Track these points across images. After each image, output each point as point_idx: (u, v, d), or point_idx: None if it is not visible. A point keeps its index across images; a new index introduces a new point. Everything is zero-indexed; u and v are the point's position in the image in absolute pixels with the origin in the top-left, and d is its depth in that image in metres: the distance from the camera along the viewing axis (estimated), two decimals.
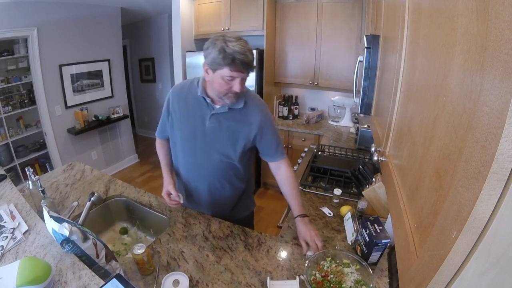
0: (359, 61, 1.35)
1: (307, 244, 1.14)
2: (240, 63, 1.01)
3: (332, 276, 0.99)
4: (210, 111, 1.19)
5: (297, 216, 1.22)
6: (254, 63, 1.10)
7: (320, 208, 1.44)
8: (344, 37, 2.83)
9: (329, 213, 1.41)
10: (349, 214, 1.30)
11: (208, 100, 1.18)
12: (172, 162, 1.40)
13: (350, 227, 1.25)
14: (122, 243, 1.44)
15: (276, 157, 1.28)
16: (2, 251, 1.01)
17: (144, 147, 4.86)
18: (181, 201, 1.29)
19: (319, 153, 2.25)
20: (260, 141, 1.25)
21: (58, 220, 0.92)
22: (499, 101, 0.28)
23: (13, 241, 1.06)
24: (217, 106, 1.19)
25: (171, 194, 1.29)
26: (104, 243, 1.00)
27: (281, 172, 1.29)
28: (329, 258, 1.06)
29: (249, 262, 1.11)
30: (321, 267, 1.04)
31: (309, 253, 1.13)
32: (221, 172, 1.30)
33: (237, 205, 1.43)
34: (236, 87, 1.07)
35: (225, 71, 1.03)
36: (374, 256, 1.05)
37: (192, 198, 1.39)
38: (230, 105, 1.16)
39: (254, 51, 2.79)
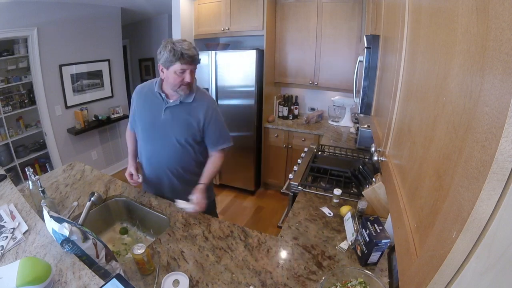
0: (359, 61, 1.35)
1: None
2: (187, 57, 1.24)
3: None
4: (165, 104, 1.40)
5: (199, 184, 1.43)
6: (199, 58, 1.31)
7: (320, 208, 1.44)
8: (344, 37, 2.83)
9: (329, 213, 1.41)
10: (349, 214, 1.30)
11: (163, 95, 1.40)
12: (135, 149, 1.62)
13: (350, 227, 1.25)
14: (122, 243, 1.44)
15: (214, 148, 1.49)
16: (2, 251, 1.01)
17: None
18: (140, 180, 1.53)
19: (319, 153, 2.25)
20: (204, 132, 1.45)
21: (58, 220, 0.92)
22: (499, 101, 0.28)
23: (13, 241, 1.06)
24: (171, 101, 1.40)
25: (132, 174, 1.53)
26: (104, 243, 1.00)
27: (212, 158, 1.51)
28: (361, 280, 0.98)
29: (249, 262, 1.11)
30: (346, 282, 0.98)
31: (182, 205, 1.34)
32: (178, 159, 1.48)
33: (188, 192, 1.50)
34: (187, 77, 1.29)
35: (177, 66, 1.25)
36: (374, 256, 1.05)
37: (154, 184, 1.57)
38: (181, 99, 1.38)
39: (254, 51, 2.79)
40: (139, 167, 1.60)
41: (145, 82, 1.52)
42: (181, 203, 1.34)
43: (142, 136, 1.51)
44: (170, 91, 1.38)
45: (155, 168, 1.53)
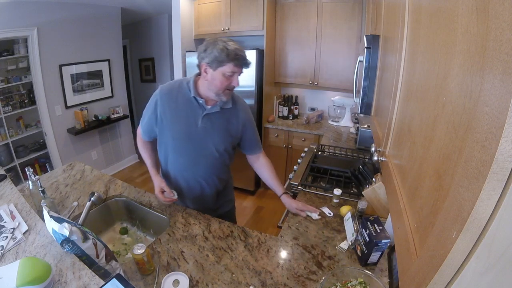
0: (359, 61, 1.35)
1: (302, 211, 1.36)
2: (242, 59, 1.14)
3: None
4: (203, 111, 1.26)
5: (282, 194, 1.41)
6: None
7: (321, 208, 1.44)
8: (344, 37, 2.83)
9: (329, 213, 1.41)
10: (349, 214, 1.30)
11: (201, 100, 1.24)
12: (158, 162, 1.46)
13: (350, 227, 1.25)
14: (122, 243, 1.44)
15: (257, 151, 1.46)
16: (2, 251, 1.01)
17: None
18: (175, 197, 1.34)
19: (319, 153, 2.25)
20: (244, 137, 1.38)
21: (58, 220, 0.92)
22: (499, 101, 0.28)
23: (13, 241, 1.06)
24: (209, 107, 1.26)
25: (164, 191, 1.33)
26: (104, 243, 1.00)
27: (260, 161, 1.47)
28: (361, 280, 0.98)
29: (249, 262, 1.11)
30: (346, 282, 0.98)
31: (312, 215, 1.35)
32: (214, 169, 1.39)
33: (220, 199, 1.51)
34: (235, 82, 1.18)
35: (228, 67, 1.13)
36: (374, 256, 1.05)
37: (185, 197, 1.45)
38: (221, 104, 1.26)
39: (254, 51, 2.79)
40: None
41: (170, 83, 1.33)
42: (309, 213, 1.37)
43: (173, 147, 1.32)
44: (211, 96, 1.22)
45: (187, 180, 1.39)
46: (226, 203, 1.58)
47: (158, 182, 1.36)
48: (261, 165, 1.47)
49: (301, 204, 1.38)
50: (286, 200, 1.40)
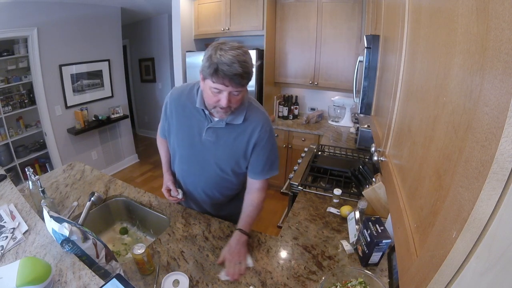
0: (359, 61, 1.35)
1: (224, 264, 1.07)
2: (223, 75, 0.90)
3: None
4: (208, 123, 1.12)
5: (238, 228, 1.15)
6: (250, 76, 0.97)
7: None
8: (344, 37, 2.83)
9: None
10: (352, 214, 1.29)
11: (207, 112, 1.10)
12: (169, 160, 1.40)
13: (352, 228, 1.25)
14: (122, 243, 1.44)
15: (256, 176, 1.21)
16: (2, 251, 1.01)
17: (144, 147, 4.86)
18: (180, 197, 1.31)
19: (319, 153, 2.25)
20: (250, 157, 1.17)
21: (58, 220, 0.92)
22: (499, 101, 0.28)
23: (13, 241, 1.06)
24: (215, 119, 1.11)
25: (170, 190, 1.31)
26: (104, 243, 1.00)
27: (253, 191, 1.23)
28: (361, 280, 0.98)
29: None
30: (346, 282, 0.97)
31: (222, 277, 1.02)
32: (215, 185, 1.27)
33: (223, 210, 1.41)
34: (222, 101, 0.97)
35: (210, 82, 0.95)
36: (375, 257, 1.05)
37: (188, 198, 1.40)
38: (228, 120, 1.09)
39: (254, 51, 2.78)
40: (175, 181, 1.37)
41: (182, 86, 1.22)
42: (223, 275, 1.04)
43: (177, 153, 1.27)
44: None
45: (188, 186, 1.34)
46: (235, 210, 1.36)
47: (166, 180, 1.34)
48: (252, 197, 1.23)
49: (232, 259, 1.06)
50: (233, 237, 1.13)
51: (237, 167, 1.20)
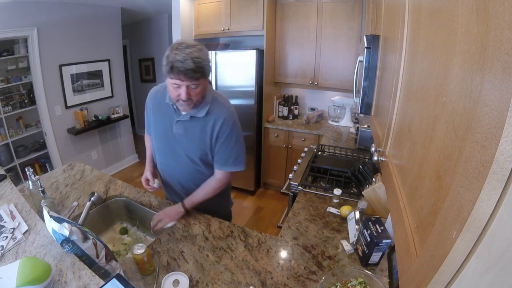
0: (359, 61, 1.35)
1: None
2: (177, 71, 1.02)
3: None
4: (177, 117, 1.24)
5: (183, 202, 1.33)
6: (205, 70, 1.07)
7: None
8: (344, 37, 2.83)
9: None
10: (352, 214, 1.30)
11: (175, 106, 1.22)
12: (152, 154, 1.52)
13: (352, 228, 1.25)
14: (122, 243, 1.44)
15: (219, 167, 1.30)
16: (2, 251, 1.01)
17: (144, 147, 4.85)
18: (155, 186, 1.40)
19: (319, 153, 2.25)
20: (214, 149, 1.27)
21: (58, 220, 0.92)
22: (499, 101, 0.28)
23: (13, 241, 1.06)
24: (183, 113, 1.22)
25: (148, 180, 1.41)
26: (104, 243, 1.00)
27: (213, 178, 1.33)
28: (361, 280, 0.98)
29: (249, 262, 1.11)
30: (346, 282, 0.98)
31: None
32: (191, 177, 1.36)
33: (212, 204, 1.42)
34: (182, 95, 1.09)
35: (169, 78, 1.08)
36: (375, 257, 1.05)
37: (169, 190, 1.49)
38: (192, 113, 1.20)
39: (254, 51, 2.78)
40: (157, 172, 1.48)
41: (159, 86, 1.35)
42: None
43: (155, 146, 1.40)
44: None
45: (168, 180, 1.44)
46: (218, 209, 1.49)
47: (145, 170, 1.45)
48: (207, 183, 1.33)
49: (165, 214, 1.29)
50: (174, 206, 1.33)
51: (205, 157, 1.30)
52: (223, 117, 1.21)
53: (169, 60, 1.02)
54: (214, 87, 3.03)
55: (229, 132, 1.23)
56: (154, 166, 1.48)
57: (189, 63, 1.01)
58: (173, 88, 1.10)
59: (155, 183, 1.40)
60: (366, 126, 2.25)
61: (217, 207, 1.48)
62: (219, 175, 1.32)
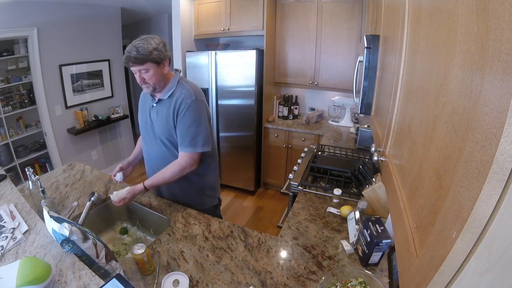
0: (359, 61, 1.35)
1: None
2: (126, 60, 1.20)
3: None
4: (152, 103, 1.38)
5: (144, 183, 1.38)
6: (146, 56, 1.19)
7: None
8: (344, 37, 2.83)
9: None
10: (352, 214, 1.30)
11: (152, 94, 1.36)
12: (138, 154, 1.64)
13: (352, 228, 1.25)
14: (122, 243, 1.44)
15: (180, 148, 1.34)
16: (2, 251, 1.01)
17: None
18: (117, 178, 1.49)
19: (319, 153, 2.25)
20: (176, 129, 1.33)
21: (58, 220, 0.92)
22: (499, 101, 0.28)
23: (13, 241, 1.06)
24: (156, 99, 1.36)
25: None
26: (104, 243, 1.00)
27: (172, 163, 1.36)
28: (361, 280, 0.98)
29: (249, 262, 1.11)
30: (346, 282, 0.98)
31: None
32: (163, 160, 1.41)
33: (184, 196, 1.51)
34: (137, 78, 1.26)
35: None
36: (375, 257, 1.05)
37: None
38: (160, 96, 1.34)
39: (254, 51, 2.79)
40: (129, 169, 1.59)
41: None
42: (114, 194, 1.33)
43: (142, 136, 1.53)
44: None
45: (151, 170, 1.51)
46: (200, 203, 1.53)
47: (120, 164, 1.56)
48: (167, 166, 1.36)
49: (120, 193, 1.34)
50: (135, 185, 1.38)
51: (172, 139, 1.37)
52: (182, 96, 1.29)
53: (125, 52, 1.21)
54: (214, 87, 3.04)
55: (187, 110, 1.28)
56: (131, 163, 1.61)
57: (133, 52, 1.18)
58: (134, 74, 1.26)
59: (117, 176, 1.49)
60: (366, 126, 2.25)
61: (192, 199, 1.51)
62: (179, 158, 1.35)
